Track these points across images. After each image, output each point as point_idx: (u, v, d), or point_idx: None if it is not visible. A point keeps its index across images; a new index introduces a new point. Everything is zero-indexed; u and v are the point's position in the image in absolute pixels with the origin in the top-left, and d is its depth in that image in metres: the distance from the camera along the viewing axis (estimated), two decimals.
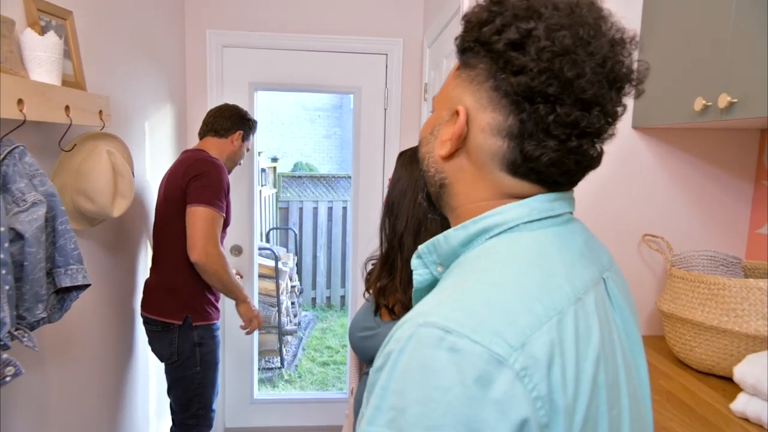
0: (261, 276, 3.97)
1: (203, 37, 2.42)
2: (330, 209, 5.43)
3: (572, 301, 0.49)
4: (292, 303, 4.48)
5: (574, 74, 0.49)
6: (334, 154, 7.46)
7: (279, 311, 3.97)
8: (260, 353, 3.84)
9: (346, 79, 2.54)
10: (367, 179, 2.63)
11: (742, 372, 1.07)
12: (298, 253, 5.31)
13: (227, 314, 2.43)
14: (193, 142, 2.05)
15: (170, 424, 1.92)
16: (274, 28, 2.45)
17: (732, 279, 1.21)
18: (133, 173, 1.57)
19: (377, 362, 0.49)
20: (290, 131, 7.24)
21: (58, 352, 1.40)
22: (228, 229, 1.93)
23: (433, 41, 2.31)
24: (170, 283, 1.79)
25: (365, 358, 1.17)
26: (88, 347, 1.59)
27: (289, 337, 4.23)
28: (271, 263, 4.00)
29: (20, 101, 1.00)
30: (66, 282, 1.16)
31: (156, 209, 1.86)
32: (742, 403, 1.07)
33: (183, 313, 1.78)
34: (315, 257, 5.42)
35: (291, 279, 4.52)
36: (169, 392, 1.87)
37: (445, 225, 0.61)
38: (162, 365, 1.86)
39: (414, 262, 0.62)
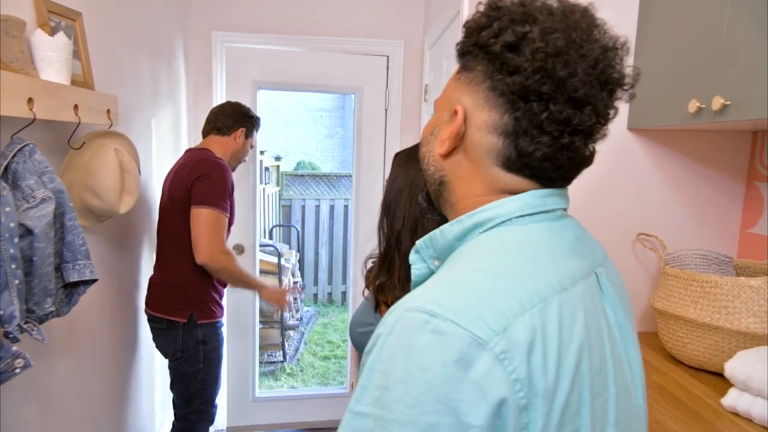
0: (264, 272, 3.97)
1: (209, 39, 2.42)
2: (332, 207, 5.43)
3: (557, 290, 0.50)
4: (294, 299, 4.48)
5: (567, 74, 0.51)
6: (336, 154, 7.45)
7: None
8: (263, 347, 3.85)
9: (348, 80, 2.54)
10: (367, 178, 2.63)
11: (732, 368, 1.07)
12: (301, 249, 5.32)
13: (228, 315, 2.44)
14: (198, 140, 2.04)
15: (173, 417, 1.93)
16: (277, 30, 2.44)
17: (724, 277, 1.21)
18: (139, 171, 1.58)
19: (368, 345, 0.50)
20: (293, 131, 7.24)
21: (65, 344, 1.41)
22: (231, 228, 1.93)
23: (434, 43, 2.31)
24: (175, 282, 1.78)
25: None
26: (95, 340, 1.60)
27: (291, 332, 4.23)
28: (274, 260, 4.00)
29: (30, 100, 1.01)
30: (74, 277, 1.16)
31: (160, 207, 1.85)
32: (732, 398, 1.08)
33: (188, 311, 1.78)
34: (317, 254, 5.43)
35: (293, 275, 4.52)
36: (172, 387, 1.87)
37: (441, 223, 0.62)
38: (166, 360, 1.87)
39: (412, 256, 0.63)
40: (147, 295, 1.85)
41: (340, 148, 7.43)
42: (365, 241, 2.64)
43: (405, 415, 0.43)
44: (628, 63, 0.56)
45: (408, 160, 1.09)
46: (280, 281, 4.01)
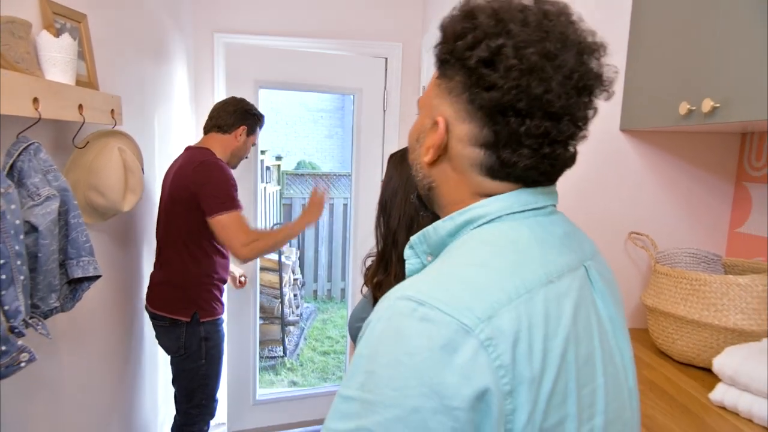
0: (265, 269, 3.98)
1: (210, 40, 2.41)
2: (331, 205, 5.44)
3: (544, 282, 0.51)
4: (295, 295, 4.48)
5: (542, 90, 0.50)
6: (336, 153, 7.45)
7: (282, 302, 3.97)
8: (264, 343, 3.85)
9: (348, 81, 2.54)
10: (366, 177, 2.63)
11: (720, 363, 1.07)
12: (301, 247, 5.32)
13: (229, 315, 2.43)
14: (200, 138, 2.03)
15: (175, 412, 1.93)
16: (278, 32, 2.44)
17: (713, 275, 1.21)
18: (142, 170, 1.57)
19: (360, 333, 0.51)
20: (294, 131, 7.23)
21: (70, 339, 1.41)
22: None
23: (431, 46, 2.30)
24: (176, 282, 1.77)
25: None
26: (98, 335, 1.60)
27: (291, 328, 4.23)
28: (275, 257, 4.00)
29: (35, 100, 1.00)
30: (78, 273, 1.16)
31: (161, 206, 1.82)
32: (720, 393, 1.08)
33: (190, 310, 1.77)
34: (317, 251, 5.43)
35: (294, 272, 4.52)
36: (174, 383, 1.87)
37: (435, 220, 0.62)
38: (168, 355, 1.86)
39: (407, 251, 0.63)
40: (148, 293, 1.84)
41: (339, 148, 7.42)
42: (364, 239, 2.64)
43: (390, 397, 0.44)
44: (607, 62, 0.55)
45: (402, 160, 1.09)
46: (281, 277, 4.01)
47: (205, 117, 1.93)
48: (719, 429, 1.00)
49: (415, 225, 1.04)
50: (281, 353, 3.92)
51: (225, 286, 1.95)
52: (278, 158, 5.65)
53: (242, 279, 2.33)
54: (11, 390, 1.12)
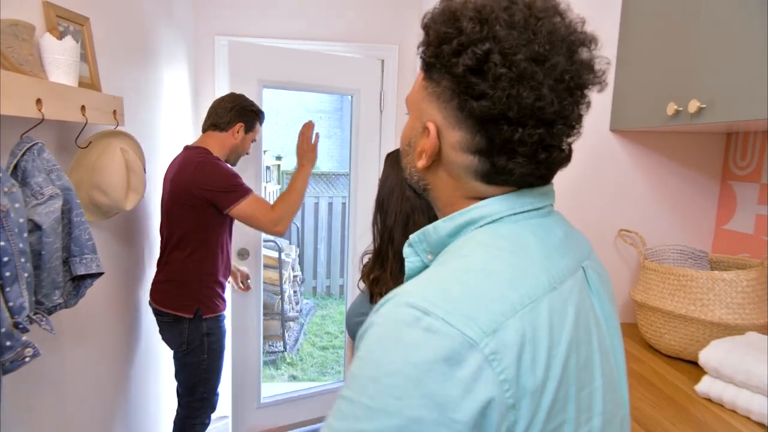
0: (265, 266, 3.97)
1: (212, 42, 2.41)
2: (330, 204, 5.44)
3: (547, 290, 0.49)
4: (294, 291, 4.48)
5: (533, 99, 0.48)
6: (335, 153, 7.44)
7: (282, 299, 3.97)
8: (264, 338, 3.85)
9: (346, 82, 2.53)
10: (364, 176, 2.62)
11: (706, 356, 1.08)
12: (300, 245, 5.32)
13: (230, 316, 2.41)
14: None
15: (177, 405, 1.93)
16: (278, 35, 2.44)
17: (699, 271, 1.22)
18: (144, 169, 1.57)
19: (360, 330, 0.49)
20: (294, 131, 7.14)
21: (73, 335, 1.41)
22: (234, 227, 1.90)
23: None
24: (179, 280, 1.77)
25: None
26: (101, 331, 1.59)
27: (291, 323, 4.23)
28: (275, 254, 4.00)
29: (39, 101, 1.00)
30: (81, 270, 1.16)
31: (162, 205, 1.82)
32: (705, 385, 1.09)
33: (193, 307, 1.77)
34: (316, 249, 5.43)
35: (293, 269, 4.52)
36: (177, 377, 1.87)
37: (431, 217, 0.62)
38: (170, 350, 1.86)
39: (406, 250, 0.61)
40: (152, 290, 1.83)
41: (338, 148, 7.42)
42: (362, 237, 2.63)
43: (392, 406, 0.43)
44: (597, 54, 0.52)
45: (398, 160, 1.09)
46: (281, 275, 4.00)
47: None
48: (705, 419, 1.01)
49: (411, 222, 1.04)
50: (282, 348, 3.92)
51: (227, 284, 1.95)
52: (278, 158, 5.64)
53: (247, 282, 2.29)
54: (16, 384, 1.12)
